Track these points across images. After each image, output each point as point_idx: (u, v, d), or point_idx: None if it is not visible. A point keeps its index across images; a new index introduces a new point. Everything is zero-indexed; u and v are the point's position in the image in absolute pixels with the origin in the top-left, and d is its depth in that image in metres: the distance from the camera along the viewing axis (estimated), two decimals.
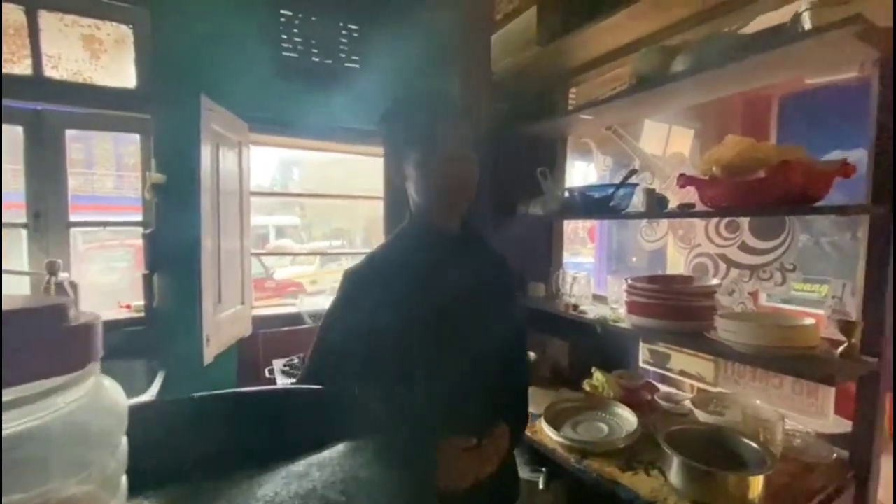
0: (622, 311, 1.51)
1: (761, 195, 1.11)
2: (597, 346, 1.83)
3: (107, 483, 0.25)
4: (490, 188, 1.92)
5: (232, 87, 2.15)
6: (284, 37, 2.30)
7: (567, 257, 2.57)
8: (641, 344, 1.82)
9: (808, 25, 1.03)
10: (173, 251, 2.03)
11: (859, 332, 1.08)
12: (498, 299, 0.99)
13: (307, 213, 8.19)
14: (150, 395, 1.66)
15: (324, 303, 2.84)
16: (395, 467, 0.74)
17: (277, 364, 2.19)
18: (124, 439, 0.26)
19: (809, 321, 1.14)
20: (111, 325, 2.11)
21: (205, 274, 1.78)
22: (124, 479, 0.26)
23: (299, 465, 0.46)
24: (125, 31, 2.11)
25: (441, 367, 0.85)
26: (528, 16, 1.75)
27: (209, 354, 1.82)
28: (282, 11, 2.29)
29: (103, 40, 2.09)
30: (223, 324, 1.99)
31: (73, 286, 2.02)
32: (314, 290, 6.04)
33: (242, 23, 2.23)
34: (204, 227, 1.78)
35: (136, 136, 2.20)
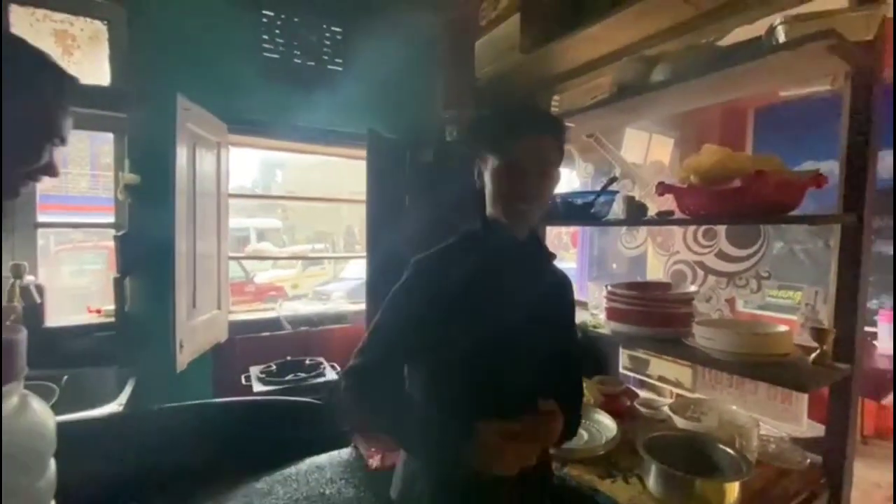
0: (602, 317, 1.51)
1: (737, 204, 1.12)
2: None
3: None
4: (473, 192, 1.91)
5: (211, 87, 2.10)
6: (266, 37, 2.27)
7: None
8: (621, 350, 1.83)
9: (782, 38, 1.06)
10: (146, 254, 1.97)
11: (831, 339, 1.11)
12: (553, 317, 0.98)
13: (289, 216, 8.09)
14: (118, 403, 1.60)
15: (304, 308, 2.78)
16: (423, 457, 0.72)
17: (254, 370, 2.14)
18: (53, 461, 0.24)
19: (783, 328, 1.16)
20: (79, 331, 2.04)
21: (178, 278, 1.72)
22: (53, 503, 0.24)
23: (262, 483, 0.44)
24: (100, 27, 2.05)
25: (486, 370, 0.86)
26: (511, 23, 1.75)
27: (182, 361, 1.76)
28: (263, 12, 2.26)
29: (76, 36, 2.03)
30: (198, 329, 1.94)
31: (40, 289, 1.94)
32: (295, 295, 5.94)
33: (223, 22, 2.19)
34: (178, 229, 1.73)
35: (111, 135, 2.14)
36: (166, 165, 1.75)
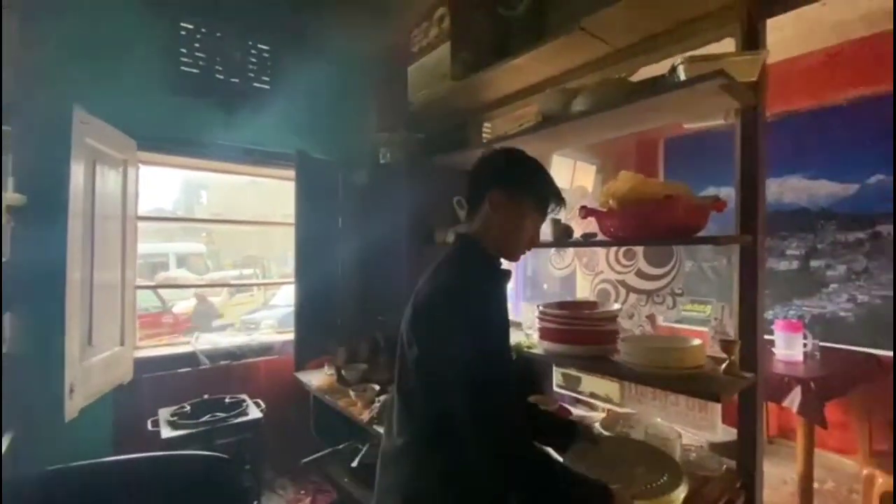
0: (536, 336, 1.54)
1: (651, 226, 1.20)
2: (513, 372, 1.83)
3: None
4: (407, 215, 1.90)
5: (118, 101, 1.93)
6: (184, 50, 2.14)
7: None
8: (554, 368, 1.87)
9: (682, 77, 1.16)
10: (32, 285, 1.72)
11: (738, 349, 1.20)
12: None
13: (214, 240, 7.56)
14: None
15: (227, 341, 2.52)
16: None
17: (164, 413, 1.91)
18: None
19: (697, 342, 1.23)
20: None
21: (70, 311, 1.51)
22: None
23: None
24: None
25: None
26: (442, 50, 1.79)
27: (73, 408, 1.53)
28: (182, 24, 2.13)
29: None
30: (94, 370, 1.70)
31: None
32: (220, 326, 5.48)
33: (132, 32, 2.04)
34: (71, 256, 1.52)
35: None
36: (59, 185, 1.56)
